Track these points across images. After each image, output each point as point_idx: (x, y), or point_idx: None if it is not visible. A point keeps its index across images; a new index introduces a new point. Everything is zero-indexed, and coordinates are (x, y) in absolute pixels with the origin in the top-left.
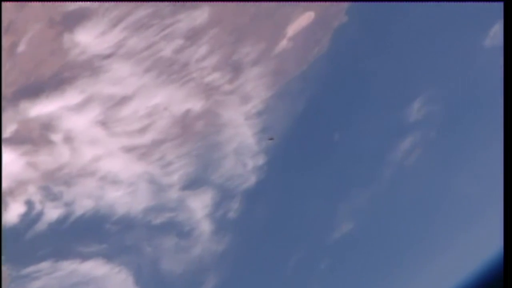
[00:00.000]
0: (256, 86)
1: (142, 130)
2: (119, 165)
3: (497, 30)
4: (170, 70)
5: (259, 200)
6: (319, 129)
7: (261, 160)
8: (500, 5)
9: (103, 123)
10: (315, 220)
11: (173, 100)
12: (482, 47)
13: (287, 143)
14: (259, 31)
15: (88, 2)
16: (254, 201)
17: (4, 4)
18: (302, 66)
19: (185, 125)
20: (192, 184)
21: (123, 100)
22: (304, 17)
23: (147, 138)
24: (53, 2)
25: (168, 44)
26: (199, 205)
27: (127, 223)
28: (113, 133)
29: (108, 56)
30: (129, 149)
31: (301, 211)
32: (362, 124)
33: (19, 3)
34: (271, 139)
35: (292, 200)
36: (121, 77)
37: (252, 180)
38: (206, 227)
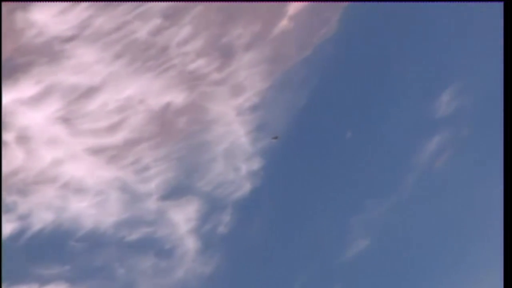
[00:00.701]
0: (250, 75)
1: (112, 128)
2: (84, 170)
3: None
4: (146, 56)
5: (255, 211)
6: (326, 127)
7: (256, 163)
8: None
9: (65, 120)
10: (324, 235)
11: (150, 92)
12: None
13: (287, 143)
14: (253, 8)
15: None
16: (249, 213)
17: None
18: (306, 51)
19: (164, 122)
20: (174, 192)
21: (89, 91)
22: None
23: (118, 137)
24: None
25: (143, 24)
26: (182, 218)
27: (95, 240)
28: (76, 131)
29: (70, 39)
30: (96, 151)
31: (307, 225)
32: (379, 120)
33: None
34: (275, 138)
35: (294, 212)
36: (86, 64)
37: (246, 187)
38: (190, 244)
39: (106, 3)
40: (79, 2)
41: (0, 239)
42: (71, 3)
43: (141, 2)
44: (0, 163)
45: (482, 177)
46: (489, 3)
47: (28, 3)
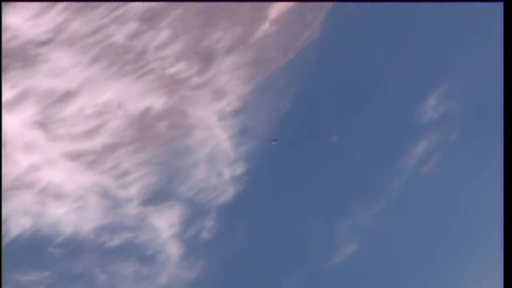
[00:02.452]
0: (231, 79)
1: (91, 133)
2: (62, 175)
3: None
4: (124, 60)
5: (239, 216)
6: (311, 131)
7: (240, 168)
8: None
9: (42, 125)
10: (310, 240)
11: (128, 96)
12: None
13: (271, 148)
14: (233, 12)
15: None
16: (233, 218)
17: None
18: (288, 55)
19: (144, 126)
20: (155, 198)
21: (66, 96)
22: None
23: (97, 142)
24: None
25: (120, 28)
26: (164, 223)
27: (75, 246)
28: (54, 136)
29: (45, 43)
30: (74, 156)
31: (292, 230)
32: (364, 125)
33: None
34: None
35: (280, 217)
36: (62, 68)
37: (229, 192)
38: (173, 250)
39: (81, 6)
40: (75, 2)
41: (0, 239)
42: (46, 4)
43: (117, 6)
44: (0, 163)
45: (470, 181)
46: (489, 3)
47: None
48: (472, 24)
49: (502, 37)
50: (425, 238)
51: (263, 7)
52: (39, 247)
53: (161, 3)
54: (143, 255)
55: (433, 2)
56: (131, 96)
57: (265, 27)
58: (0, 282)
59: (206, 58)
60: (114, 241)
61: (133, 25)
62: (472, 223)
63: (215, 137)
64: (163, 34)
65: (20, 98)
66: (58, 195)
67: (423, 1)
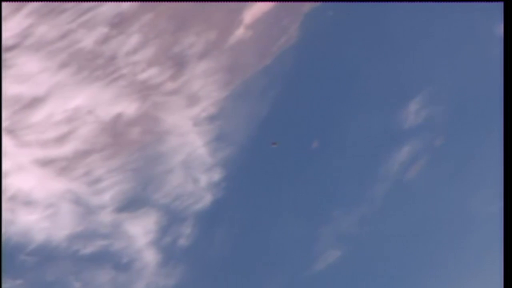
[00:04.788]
0: (206, 85)
1: (61, 139)
2: (33, 182)
3: None
4: (93, 65)
5: (218, 223)
6: (290, 137)
7: (217, 175)
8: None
9: (9, 131)
10: (291, 247)
11: (99, 102)
12: (492, 38)
13: (249, 154)
14: (207, 16)
15: None
16: (211, 225)
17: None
18: (265, 60)
19: (116, 132)
20: (130, 205)
21: (34, 102)
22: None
23: (67, 148)
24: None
25: (88, 33)
26: (140, 230)
27: (47, 254)
28: (23, 142)
29: (11, 48)
30: (45, 162)
31: (273, 237)
32: (344, 131)
33: None
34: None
35: (260, 224)
36: (29, 73)
37: (207, 199)
38: (150, 257)
39: (48, 10)
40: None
41: (0, 239)
42: (11, 8)
43: (85, 10)
44: (0, 163)
45: (455, 187)
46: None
47: None
48: (455, 25)
49: (502, 37)
50: (409, 245)
51: (237, 12)
52: (10, 255)
53: (130, 8)
54: (118, 262)
55: (414, 2)
56: (102, 102)
57: (240, 32)
58: (0, 282)
59: (179, 63)
60: (88, 249)
61: (102, 30)
62: (457, 228)
63: (191, 143)
64: (134, 39)
65: None
66: (28, 202)
67: (406, 1)
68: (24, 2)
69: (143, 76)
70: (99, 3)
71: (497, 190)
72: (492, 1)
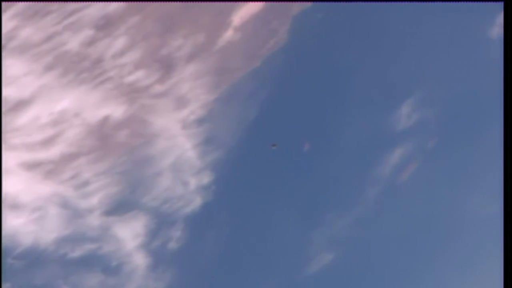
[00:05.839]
0: (194, 88)
1: (47, 142)
2: (19, 185)
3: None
4: (79, 68)
5: (208, 227)
6: (281, 140)
7: (206, 178)
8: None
9: None
10: (283, 251)
11: (86, 105)
12: (485, 41)
13: (239, 156)
14: (194, 19)
15: None
16: (202, 228)
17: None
18: (254, 62)
19: (103, 135)
20: (118, 208)
21: (19, 104)
22: (254, 3)
23: (54, 152)
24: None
25: (74, 35)
26: (129, 233)
27: (35, 257)
28: (8, 146)
29: None
30: (31, 166)
31: (264, 240)
32: (335, 134)
33: None
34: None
35: (251, 227)
36: (14, 76)
37: (196, 202)
38: (140, 260)
39: (32, 13)
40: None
41: (0, 239)
42: None
43: (70, 13)
44: (0, 163)
45: (448, 190)
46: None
47: None
48: (446, 27)
49: (494, 38)
50: (401, 248)
51: (226, 14)
52: None
53: (117, 10)
54: (107, 266)
55: (406, 2)
56: (89, 105)
57: (228, 34)
58: (0, 281)
59: (167, 66)
60: (77, 252)
61: (87, 33)
62: (449, 231)
63: (179, 146)
64: (121, 42)
65: None
66: (15, 206)
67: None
68: (19, 2)
69: (131, 78)
70: (86, 3)
71: (490, 193)
72: (492, 1)
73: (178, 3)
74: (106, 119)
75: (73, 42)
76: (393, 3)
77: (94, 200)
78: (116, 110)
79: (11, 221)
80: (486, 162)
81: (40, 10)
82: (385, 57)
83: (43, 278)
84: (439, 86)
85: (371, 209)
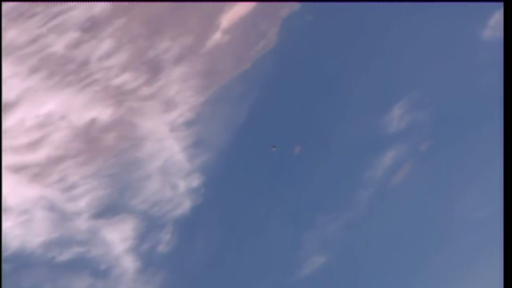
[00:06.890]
0: (182, 90)
1: (33, 145)
2: (5, 188)
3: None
4: (65, 70)
5: (198, 229)
6: (271, 143)
7: (196, 180)
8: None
9: None
10: (275, 254)
11: (72, 108)
12: (477, 43)
13: (229, 159)
14: (182, 21)
15: None
16: (192, 231)
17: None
18: (243, 65)
19: (90, 138)
20: (106, 211)
21: (4, 107)
22: (243, 4)
23: (40, 154)
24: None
25: (59, 37)
26: (118, 237)
27: (22, 261)
28: None
29: None
30: (17, 169)
31: (255, 243)
32: (325, 136)
33: None
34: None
35: (242, 230)
36: None
37: (186, 205)
38: (129, 263)
39: (17, 15)
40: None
41: (0, 239)
42: None
43: (55, 15)
44: (0, 163)
45: (441, 192)
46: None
47: None
48: (439, 29)
49: (491, 40)
50: (394, 250)
51: (214, 16)
52: None
53: (103, 12)
54: (96, 269)
55: (397, 3)
56: (75, 107)
57: (217, 36)
58: (0, 281)
59: (155, 68)
60: (65, 256)
61: (72, 35)
62: (442, 233)
63: (168, 149)
64: (106, 44)
65: None
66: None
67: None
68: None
69: (117, 81)
70: (71, 4)
71: (483, 195)
72: (492, 1)
73: (165, 4)
74: (93, 121)
75: (59, 44)
76: (384, 4)
77: (82, 203)
78: (103, 113)
79: None
80: (479, 165)
81: (25, 12)
82: (376, 58)
83: (30, 282)
84: (432, 88)
85: (364, 212)
